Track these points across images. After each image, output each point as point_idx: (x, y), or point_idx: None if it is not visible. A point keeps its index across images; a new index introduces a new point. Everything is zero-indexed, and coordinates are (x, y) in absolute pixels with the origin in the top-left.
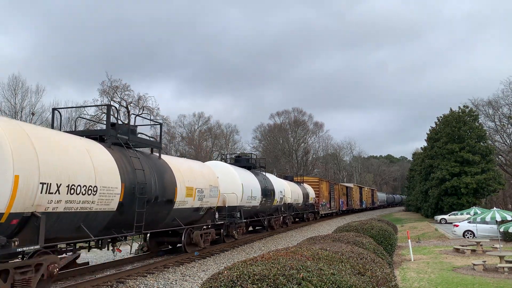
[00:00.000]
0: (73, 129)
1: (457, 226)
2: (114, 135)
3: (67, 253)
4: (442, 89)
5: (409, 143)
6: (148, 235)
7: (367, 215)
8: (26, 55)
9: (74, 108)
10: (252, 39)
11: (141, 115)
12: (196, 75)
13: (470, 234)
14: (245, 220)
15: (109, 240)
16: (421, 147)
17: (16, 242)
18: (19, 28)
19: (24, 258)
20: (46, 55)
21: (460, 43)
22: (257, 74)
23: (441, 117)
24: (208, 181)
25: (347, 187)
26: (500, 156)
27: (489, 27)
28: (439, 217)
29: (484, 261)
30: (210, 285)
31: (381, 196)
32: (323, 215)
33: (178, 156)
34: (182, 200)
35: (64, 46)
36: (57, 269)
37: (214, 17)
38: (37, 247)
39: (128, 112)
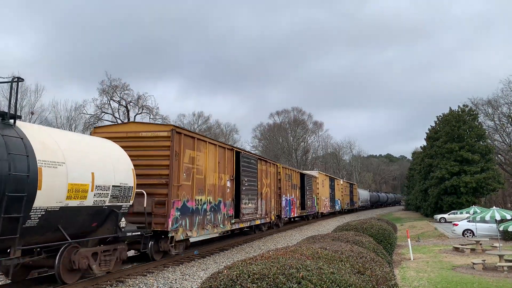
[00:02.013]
0: (72, 129)
1: (456, 225)
2: None
3: None
4: (446, 88)
5: (410, 142)
6: None
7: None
8: (34, 55)
9: (73, 108)
10: (260, 39)
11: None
12: (202, 74)
13: (470, 233)
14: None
15: None
16: (421, 146)
17: None
18: (28, 28)
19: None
20: (53, 55)
21: (467, 43)
22: (263, 73)
23: (440, 116)
24: None
25: (304, 176)
26: (499, 155)
27: (496, 26)
28: (438, 216)
29: (484, 260)
30: (210, 284)
31: (363, 194)
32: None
33: None
34: None
35: (72, 45)
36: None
37: (223, 16)
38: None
39: (128, 111)
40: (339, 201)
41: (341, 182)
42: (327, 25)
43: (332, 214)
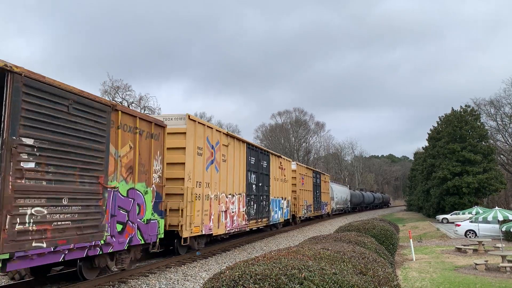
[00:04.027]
0: None
1: (459, 225)
2: None
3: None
4: (452, 89)
5: (412, 143)
6: None
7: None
8: (43, 56)
9: None
10: (268, 40)
11: None
12: (209, 76)
13: (472, 233)
14: None
15: None
16: (423, 147)
17: None
18: (37, 30)
19: None
20: (61, 55)
21: (476, 44)
22: (269, 74)
23: (442, 116)
24: None
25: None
26: (501, 156)
27: (506, 27)
28: (440, 217)
29: (486, 261)
30: (212, 284)
31: (341, 191)
32: None
33: None
34: None
35: (79, 46)
36: None
37: (232, 18)
38: None
39: None
40: (284, 202)
41: (294, 167)
42: (335, 27)
43: (260, 232)
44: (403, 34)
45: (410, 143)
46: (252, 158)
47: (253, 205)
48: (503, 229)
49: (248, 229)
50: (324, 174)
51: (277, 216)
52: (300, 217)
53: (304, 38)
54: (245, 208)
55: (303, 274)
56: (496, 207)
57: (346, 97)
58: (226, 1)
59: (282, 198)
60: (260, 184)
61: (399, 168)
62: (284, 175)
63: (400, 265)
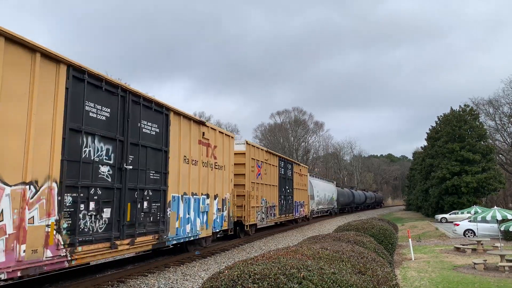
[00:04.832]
0: None
1: (457, 225)
2: None
3: None
4: (453, 89)
5: (412, 143)
6: None
7: None
8: None
9: None
10: (272, 40)
11: None
12: (211, 75)
13: (471, 233)
14: None
15: None
16: (421, 147)
17: None
18: (38, 30)
19: None
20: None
21: (476, 44)
22: (272, 74)
23: (441, 116)
24: None
25: None
26: (500, 155)
27: (507, 26)
28: (439, 216)
29: (485, 260)
30: (211, 284)
31: (324, 189)
32: None
33: None
34: None
35: (81, 45)
36: None
37: (236, 18)
38: None
39: None
40: (214, 202)
41: (241, 148)
42: (339, 26)
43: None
44: (404, 34)
45: (410, 143)
46: (102, 108)
47: (101, 210)
48: (502, 228)
49: (68, 266)
50: (299, 164)
51: (190, 227)
52: (255, 225)
53: (309, 38)
54: (56, 217)
55: (302, 274)
56: (495, 207)
57: (346, 97)
58: (230, 1)
59: (207, 195)
60: (129, 168)
61: (398, 168)
62: (215, 157)
63: (399, 265)
